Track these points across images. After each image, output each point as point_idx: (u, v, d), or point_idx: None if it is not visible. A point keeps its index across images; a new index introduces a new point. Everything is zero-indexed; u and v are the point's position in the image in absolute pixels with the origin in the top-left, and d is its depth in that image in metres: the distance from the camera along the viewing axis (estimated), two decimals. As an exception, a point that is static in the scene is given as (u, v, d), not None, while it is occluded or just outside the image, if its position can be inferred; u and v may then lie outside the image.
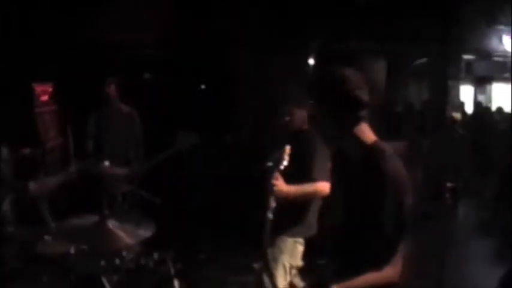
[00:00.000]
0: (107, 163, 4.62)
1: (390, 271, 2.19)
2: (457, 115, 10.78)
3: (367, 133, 2.35)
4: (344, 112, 2.31)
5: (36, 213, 4.13)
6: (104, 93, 5.97)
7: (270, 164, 3.54)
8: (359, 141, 2.32)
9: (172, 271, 3.17)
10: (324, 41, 10.47)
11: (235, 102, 9.58)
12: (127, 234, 2.98)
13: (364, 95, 2.31)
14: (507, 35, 12.50)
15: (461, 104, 13.08)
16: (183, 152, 4.75)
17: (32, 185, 3.68)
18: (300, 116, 3.91)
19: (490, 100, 16.04)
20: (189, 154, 4.86)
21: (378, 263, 2.17)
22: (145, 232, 3.06)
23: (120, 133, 6.04)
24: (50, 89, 7.43)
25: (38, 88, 7.08)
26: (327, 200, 2.75)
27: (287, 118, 3.91)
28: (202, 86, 9.93)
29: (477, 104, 15.18)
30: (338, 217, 2.42)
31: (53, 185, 3.97)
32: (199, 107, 8.97)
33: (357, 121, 2.32)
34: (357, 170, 2.29)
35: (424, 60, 13.13)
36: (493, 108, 13.94)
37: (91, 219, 3.08)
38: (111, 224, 3.01)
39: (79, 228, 3.10)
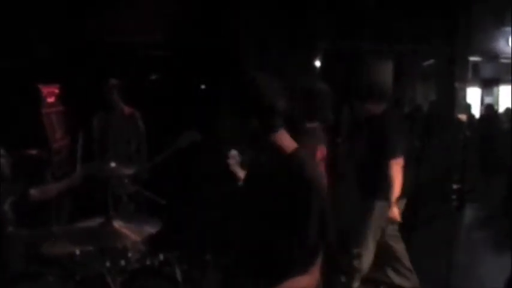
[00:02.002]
0: (113, 164, 4.62)
1: (309, 279, 2.15)
2: (464, 117, 10.74)
3: (286, 141, 2.28)
4: (258, 120, 2.21)
5: (37, 214, 4.12)
6: (106, 95, 5.99)
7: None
8: (277, 150, 2.25)
9: (178, 272, 3.17)
10: (332, 42, 10.45)
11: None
12: (132, 232, 2.99)
13: (276, 102, 2.21)
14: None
15: (468, 106, 13.05)
16: (183, 149, 4.75)
17: (33, 191, 3.68)
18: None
19: (497, 102, 15.98)
20: (194, 154, 4.86)
21: (298, 272, 2.12)
22: (151, 228, 3.07)
23: (123, 134, 6.06)
24: (57, 91, 7.45)
25: (45, 89, 7.10)
26: (236, 211, 2.68)
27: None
28: (203, 86, 9.91)
29: (484, 106, 15.12)
30: (252, 230, 2.34)
31: (54, 192, 3.96)
32: (203, 108, 8.97)
33: (271, 130, 2.24)
34: (277, 180, 2.22)
35: (431, 61, 13.11)
36: (500, 110, 13.88)
37: (97, 221, 3.09)
38: (117, 223, 3.02)
39: (84, 229, 3.11)
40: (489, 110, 13.44)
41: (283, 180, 2.18)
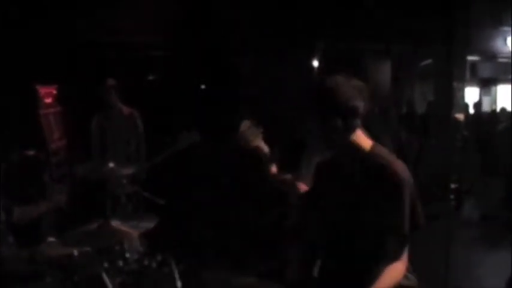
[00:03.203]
0: (111, 164, 4.63)
1: (402, 266, 2.35)
2: (462, 116, 10.73)
3: (363, 140, 2.37)
4: (338, 121, 2.29)
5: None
6: (104, 95, 5.99)
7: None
8: (357, 149, 2.34)
9: (176, 273, 3.17)
10: (329, 42, 10.46)
11: (238, 103, 9.57)
12: (130, 228, 3.01)
13: (357, 103, 2.28)
14: (512, 36, 12.49)
15: (466, 105, 13.04)
16: (182, 150, 4.75)
17: (16, 210, 3.67)
18: None
19: (494, 101, 15.99)
20: (192, 154, 4.87)
21: (393, 260, 2.28)
22: (148, 223, 3.09)
23: (122, 134, 6.06)
24: (54, 91, 7.45)
25: (42, 90, 7.10)
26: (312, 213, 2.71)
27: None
28: (203, 86, 9.91)
29: (482, 105, 15.13)
30: (337, 226, 2.44)
31: (36, 214, 3.95)
32: (202, 108, 8.97)
33: (351, 130, 2.32)
34: (359, 179, 2.33)
35: (429, 61, 13.11)
36: (498, 109, 13.90)
37: (95, 224, 3.10)
38: (115, 223, 3.03)
39: (82, 230, 3.12)
40: (486, 109, 13.50)
41: (366, 178, 2.30)
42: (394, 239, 2.28)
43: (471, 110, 13.43)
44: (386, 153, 2.38)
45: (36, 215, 3.97)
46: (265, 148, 3.19)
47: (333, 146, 2.39)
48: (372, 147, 2.38)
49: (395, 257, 2.29)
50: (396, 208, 2.25)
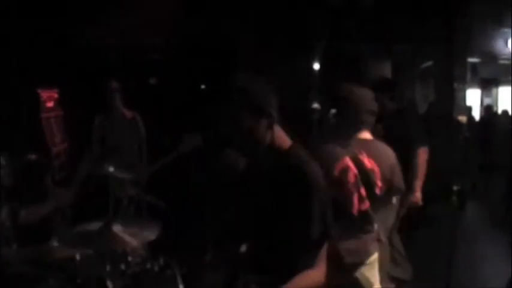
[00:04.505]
0: (111, 169, 4.62)
1: (317, 273, 2.18)
2: (463, 117, 10.76)
3: (282, 138, 2.31)
4: (254, 120, 2.23)
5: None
6: (107, 98, 5.99)
7: None
8: (275, 148, 2.28)
9: (178, 276, 3.16)
10: (330, 43, 10.47)
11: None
12: (131, 238, 2.99)
13: (269, 101, 2.25)
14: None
15: (467, 106, 13.06)
16: (186, 154, 4.75)
17: (23, 212, 3.68)
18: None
19: (496, 103, 15.99)
20: (194, 157, 4.87)
21: (305, 267, 2.15)
22: (151, 234, 3.07)
23: (124, 137, 6.06)
24: (56, 95, 7.46)
25: (44, 94, 7.11)
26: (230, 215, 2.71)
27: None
28: (203, 86, 9.92)
29: (483, 107, 15.15)
30: (256, 226, 2.38)
31: (42, 213, 3.96)
32: (203, 111, 8.98)
33: (268, 127, 2.26)
34: (275, 178, 2.25)
35: (430, 62, 13.12)
36: (499, 110, 13.90)
37: (97, 225, 3.09)
38: (116, 228, 3.02)
39: (84, 233, 3.11)
40: (488, 111, 13.48)
41: (282, 177, 2.20)
42: (303, 245, 2.15)
43: (482, 113, 13.48)
44: (303, 154, 2.28)
45: (40, 217, 3.98)
46: None
47: (249, 146, 2.30)
48: (290, 147, 2.30)
49: (311, 265, 2.15)
50: (304, 212, 2.14)
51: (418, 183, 4.90)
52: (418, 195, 4.92)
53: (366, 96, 3.28)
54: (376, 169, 3.16)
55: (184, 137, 4.86)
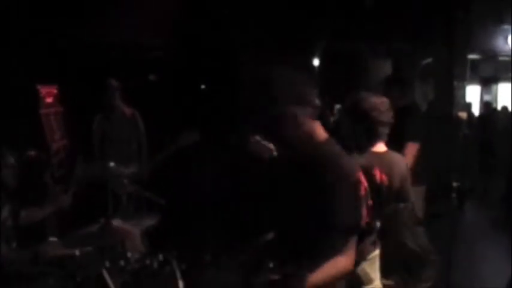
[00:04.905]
0: (112, 164, 4.63)
1: (345, 260, 2.27)
2: (463, 115, 10.75)
3: (318, 130, 2.39)
4: (293, 111, 2.30)
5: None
6: (107, 97, 5.99)
7: None
8: (311, 140, 2.35)
9: (177, 272, 3.17)
10: (330, 41, 10.47)
11: (238, 102, 9.58)
12: (131, 227, 3.01)
13: (310, 92, 2.34)
14: (513, 34, 12.49)
15: (467, 104, 13.05)
16: (182, 149, 4.77)
17: (23, 213, 3.69)
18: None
19: (495, 100, 15.99)
20: (193, 154, 4.88)
21: (335, 254, 2.24)
22: (150, 221, 3.10)
23: (124, 134, 6.07)
24: (55, 91, 7.45)
25: (43, 90, 7.10)
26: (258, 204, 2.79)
27: None
28: (203, 86, 9.92)
29: (483, 104, 15.15)
30: (282, 220, 2.45)
31: (41, 216, 3.97)
32: (203, 108, 8.98)
33: (305, 119, 2.33)
34: (310, 168, 2.31)
35: (429, 60, 13.11)
36: (499, 108, 13.91)
37: (97, 224, 3.11)
38: (116, 222, 3.04)
39: (84, 233, 3.12)
40: (487, 107, 13.48)
41: (317, 167, 2.28)
42: (335, 233, 2.25)
43: (481, 110, 13.47)
44: (338, 147, 2.39)
45: (41, 218, 3.98)
46: None
47: (285, 138, 2.36)
48: (326, 140, 2.39)
49: (339, 252, 2.26)
50: (334, 204, 2.23)
51: None
52: None
53: (382, 107, 3.29)
54: (386, 182, 3.21)
55: (182, 134, 4.89)
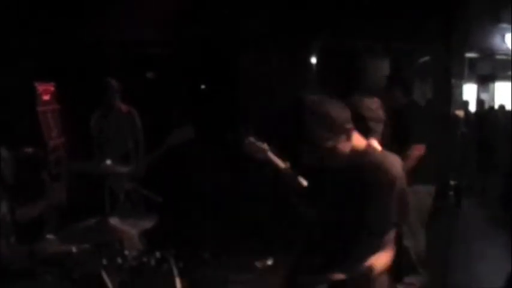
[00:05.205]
0: (109, 162, 4.62)
1: (388, 255, 2.47)
2: (460, 113, 10.76)
3: (359, 139, 2.56)
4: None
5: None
6: (106, 96, 5.98)
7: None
8: (354, 150, 2.50)
9: (175, 270, 3.16)
10: (327, 40, 10.44)
11: (237, 101, 9.57)
12: (129, 227, 2.99)
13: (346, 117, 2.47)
14: (510, 33, 12.47)
15: (465, 103, 13.05)
16: (178, 146, 4.77)
17: (19, 211, 3.68)
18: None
19: (493, 98, 16.00)
20: (191, 152, 4.87)
21: (378, 250, 2.42)
22: (148, 223, 3.08)
23: (121, 132, 6.05)
24: (52, 88, 7.44)
25: (41, 87, 7.09)
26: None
27: None
28: (203, 86, 9.91)
29: (480, 103, 15.16)
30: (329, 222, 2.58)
31: (36, 212, 3.96)
32: (200, 106, 8.97)
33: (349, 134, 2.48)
34: (356, 175, 2.48)
35: (427, 58, 13.10)
36: (496, 106, 13.92)
37: (94, 221, 3.09)
38: (113, 220, 3.02)
39: (81, 229, 3.10)
40: (481, 105, 13.51)
41: (364, 173, 2.46)
42: (383, 230, 2.43)
43: (477, 108, 13.48)
44: (381, 151, 2.58)
45: (37, 214, 3.97)
46: (276, 159, 3.22)
47: (331, 157, 2.48)
48: (367, 147, 2.56)
49: (382, 248, 2.44)
50: (384, 204, 2.40)
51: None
52: None
53: (373, 105, 3.31)
54: None
55: (174, 131, 4.90)
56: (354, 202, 2.46)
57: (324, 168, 2.62)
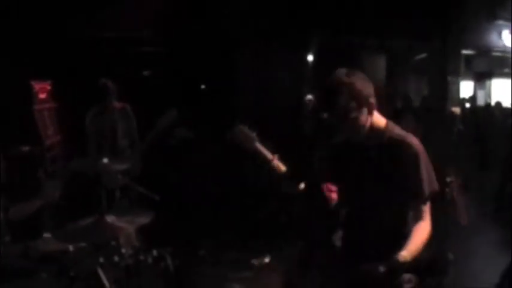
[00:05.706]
0: (105, 160, 4.60)
1: (428, 225, 2.58)
2: (457, 110, 10.76)
3: (378, 118, 2.67)
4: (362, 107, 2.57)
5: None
6: (102, 97, 5.96)
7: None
8: (374, 128, 2.63)
9: (171, 267, 3.16)
10: (324, 37, 10.44)
11: (235, 100, 9.56)
12: (125, 224, 2.99)
13: (370, 91, 2.61)
14: (507, 30, 12.49)
15: (461, 100, 13.07)
16: (175, 144, 4.77)
17: (12, 210, 3.67)
18: None
19: (489, 95, 16.02)
20: (189, 151, 4.87)
21: (418, 221, 2.55)
22: (144, 219, 3.07)
23: (116, 129, 6.04)
24: (49, 87, 7.42)
25: (37, 86, 7.07)
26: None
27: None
28: (202, 86, 9.91)
29: (477, 99, 15.18)
30: (360, 199, 2.69)
31: (30, 211, 3.95)
32: (198, 104, 8.96)
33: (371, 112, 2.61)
34: (380, 152, 2.61)
35: (423, 55, 13.11)
36: (493, 103, 13.93)
37: (90, 220, 3.08)
38: (110, 218, 3.01)
39: (77, 228, 3.09)
40: (473, 102, 13.52)
41: (388, 150, 2.60)
42: (418, 202, 2.56)
43: (470, 105, 13.49)
44: (399, 129, 2.68)
45: (30, 212, 3.96)
46: (264, 150, 3.22)
47: (353, 129, 2.59)
48: (386, 125, 2.67)
49: (421, 218, 2.56)
50: (416, 175, 2.54)
51: None
52: None
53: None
54: None
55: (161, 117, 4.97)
56: (383, 178, 2.58)
57: (349, 146, 2.72)
